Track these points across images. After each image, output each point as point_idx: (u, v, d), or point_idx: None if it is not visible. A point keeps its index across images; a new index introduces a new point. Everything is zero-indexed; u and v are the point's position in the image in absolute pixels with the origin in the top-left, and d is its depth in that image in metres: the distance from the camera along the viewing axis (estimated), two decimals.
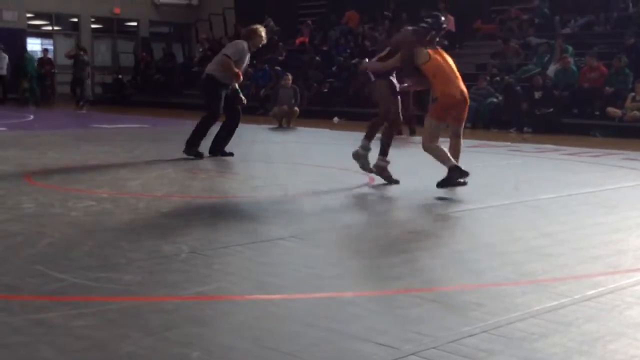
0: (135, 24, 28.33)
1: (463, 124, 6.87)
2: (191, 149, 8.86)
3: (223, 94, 8.86)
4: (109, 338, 2.77)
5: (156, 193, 6.22)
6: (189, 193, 6.34)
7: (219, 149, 9.06)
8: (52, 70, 24.40)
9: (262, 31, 8.97)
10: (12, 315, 2.99)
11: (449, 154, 6.52)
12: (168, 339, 2.79)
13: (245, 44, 8.87)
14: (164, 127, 14.63)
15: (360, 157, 7.03)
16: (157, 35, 28.73)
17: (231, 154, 9.04)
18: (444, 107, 6.56)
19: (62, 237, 4.44)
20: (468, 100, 6.73)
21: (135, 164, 8.04)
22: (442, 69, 6.65)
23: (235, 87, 9.08)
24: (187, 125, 15.11)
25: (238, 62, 8.77)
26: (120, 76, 25.48)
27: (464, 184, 6.46)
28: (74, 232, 4.60)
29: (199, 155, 8.79)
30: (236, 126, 9.20)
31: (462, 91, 6.63)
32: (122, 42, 28.45)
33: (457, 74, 6.76)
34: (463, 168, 6.41)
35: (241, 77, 8.86)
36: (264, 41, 9.11)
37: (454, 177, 6.40)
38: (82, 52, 22.93)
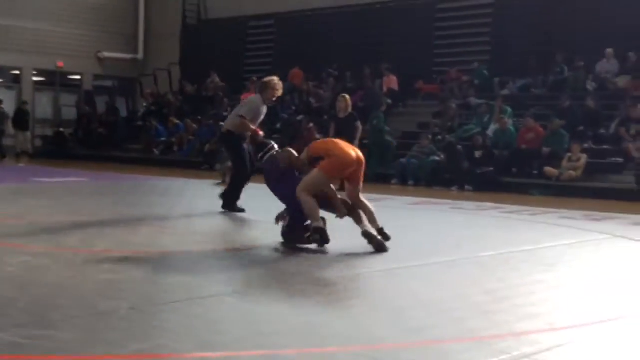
0: (78, 77, 28.14)
1: (360, 185, 6.79)
2: (231, 206, 8.90)
3: (245, 146, 8.90)
4: None
5: (95, 248, 6.11)
6: (128, 248, 6.24)
7: (230, 205, 8.99)
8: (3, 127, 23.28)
9: (276, 83, 8.87)
10: None
11: (319, 214, 6.41)
12: None
13: (259, 99, 8.90)
14: (104, 182, 14.45)
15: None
16: (100, 88, 28.56)
17: (243, 210, 8.93)
18: (339, 164, 6.50)
19: None
20: (363, 162, 6.67)
21: (74, 219, 7.90)
22: (330, 141, 6.80)
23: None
24: (128, 180, 15.04)
25: (253, 119, 8.80)
26: (61, 129, 25.18)
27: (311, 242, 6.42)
28: (9, 287, 4.48)
29: (241, 210, 8.87)
30: (247, 180, 9.13)
31: (357, 153, 6.65)
32: (65, 95, 28.18)
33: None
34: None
35: (260, 133, 8.79)
36: (279, 92, 8.96)
37: (315, 238, 6.36)
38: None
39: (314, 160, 6.62)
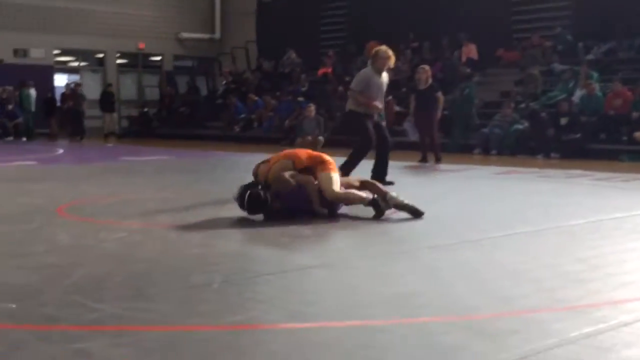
0: (159, 58, 28.72)
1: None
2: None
3: (369, 123, 8.93)
4: None
5: (186, 223, 6.27)
6: (218, 223, 6.37)
7: (381, 179, 9.00)
8: (76, 107, 23.97)
9: (383, 51, 8.82)
10: (52, 345, 3.03)
11: (361, 194, 6.59)
12: None
13: (369, 70, 8.94)
14: (188, 159, 14.75)
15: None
16: (181, 68, 29.09)
17: (392, 183, 8.93)
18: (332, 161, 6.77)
19: (96, 268, 4.49)
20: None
21: (163, 195, 8.11)
22: (299, 151, 6.90)
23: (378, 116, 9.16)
24: (211, 157, 15.32)
25: (366, 90, 8.79)
26: (145, 109, 25.79)
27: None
28: (107, 263, 4.65)
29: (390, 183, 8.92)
30: (387, 152, 9.20)
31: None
32: (147, 76, 28.83)
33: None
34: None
35: (376, 105, 8.82)
36: (388, 60, 8.84)
37: (379, 205, 6.46)
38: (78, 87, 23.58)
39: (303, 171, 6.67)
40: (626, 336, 3.23)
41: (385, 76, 9.08)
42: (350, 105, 9.01)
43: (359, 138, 9.06)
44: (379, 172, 9.08)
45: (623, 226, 6.35)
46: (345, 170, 8.85)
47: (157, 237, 5.62)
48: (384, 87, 9.11)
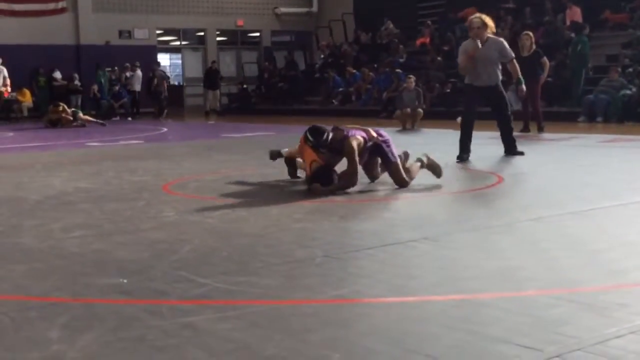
0: (257, 34, 29.05)
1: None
2: (513, 150, 9.06)
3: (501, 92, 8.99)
4: (252, 340, 2.87)
5: (286, 198, 6.36)
6: (318, 198, 6.43)
7: (512, 149, 9.12)
8: (160, 88, 24.30)
9: (470, 20, 8.76)
10: (162, 319, 3.14)
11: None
12: (309, 340, 2.85)
13: (467, 40, 8.92)
14: (289, 134, 14.90)
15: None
16: (279, 44, 29.35)
17: (522, 153, 9.04)
18: None
19: (201, 243, 4.62)
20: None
21: (264, 171, 8.24)
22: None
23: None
24: None
25: (467, 60, 8.70)
26: (245, 86, 26.20)
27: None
28: (212, 238, 4.78)
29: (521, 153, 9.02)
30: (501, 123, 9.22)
31: None
32: (246, 52, 29.24)
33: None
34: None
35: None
36: (472, 28, 8.64)
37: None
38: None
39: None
40: None
41: (491, 44, 8.74)
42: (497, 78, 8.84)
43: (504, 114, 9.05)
44: (511, 143, 9.09)
45: None
46: (510, 145, 8.96)
47: (259, 213, 5.73)
48: (488, 56, 8.73)
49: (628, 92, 15.07)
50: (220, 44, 28.69)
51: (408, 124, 15.24)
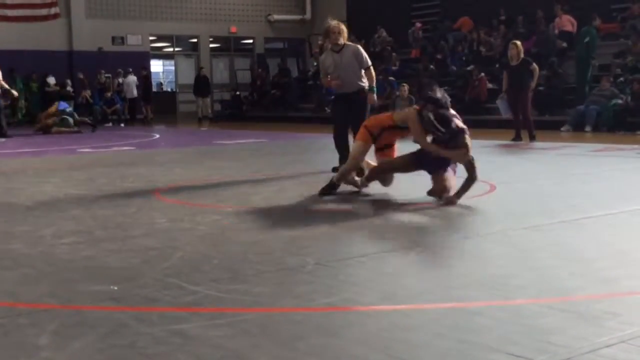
0: (251, 41, 29.06)
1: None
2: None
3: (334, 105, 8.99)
4: (243, 348, 2.86)
5: (278, 205, 6.35)
6: (309, 206, 6.43)
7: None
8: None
9: (332, 25, 8.34)
10: (152, 326, 3.13)
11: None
12: (299, 349, 2.85)
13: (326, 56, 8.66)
14: (281, 141, 14.91)
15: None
16: (272, 51, 29.36)
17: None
18: None
19: (193, 250, 4.61)
20: None
21: (257, 179, 8.23)
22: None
23: None
24: (303, 139, 15.43)
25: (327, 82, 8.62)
26: (237, 92, 26.19)
27: None
28: (204, 245, 4.76)
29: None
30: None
31: None
32: (239, 59, 29.24)
33: None
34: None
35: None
36: (339, 35, 8.26)
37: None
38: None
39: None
40: None
41: (349, 51, 8.35)
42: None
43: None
44: None
45: None
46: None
47: (251, 220, 5.72)
48: (348, 63, 8.31)
49: (619, 101, 15.13)
50: (213, 50, 28.69)
51: None
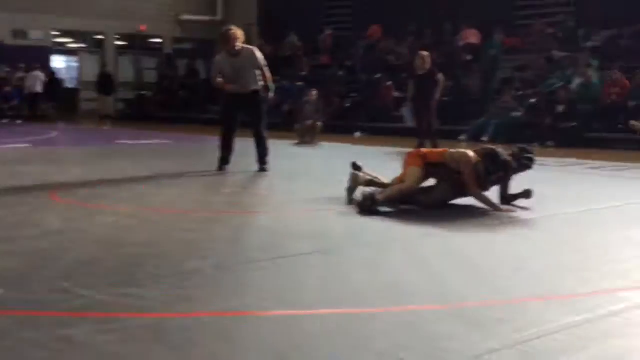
0: (159, 40, 28.58)
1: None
2: (263, 166, 9.10)
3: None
4: (131, 354, 2.77)
5: (179, 209, 6.24)
6: (211, 208, 6.34)
7: (263, 165, 9.16)
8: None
9: (229, 31, 8.81)
10: (37, 330, 3.00)
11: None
12: (191, 355, 2.79)
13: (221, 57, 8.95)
14: (186, 143, 14.71)
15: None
16: (180, 51, 28.95)
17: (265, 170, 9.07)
18: None
19: (86, 253, 4.46)
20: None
21: (158, 180, 8.07)
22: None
23: None
24: (207, 141, 15.24)
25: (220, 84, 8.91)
26: (143, 92, 25.69)
27: None
28: (99, 248, 4.62)
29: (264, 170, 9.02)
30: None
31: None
32: (146, 58, 28.71)
33: None
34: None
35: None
36: (236, 40, 8.76)
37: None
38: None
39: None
40: (614, 326, 3.21)
41: (245, 53, 8.85)
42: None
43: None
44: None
45: (618, 215, 6.33)
46: None
47: (149, 222, 5.59)
48: (243, 65, 8.82)
49: (518, 114, 15.62)
50: (120, 48, 28.08)
51: (307, 137, 15.29)
